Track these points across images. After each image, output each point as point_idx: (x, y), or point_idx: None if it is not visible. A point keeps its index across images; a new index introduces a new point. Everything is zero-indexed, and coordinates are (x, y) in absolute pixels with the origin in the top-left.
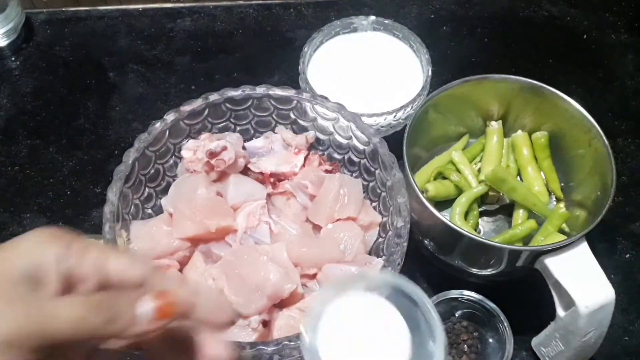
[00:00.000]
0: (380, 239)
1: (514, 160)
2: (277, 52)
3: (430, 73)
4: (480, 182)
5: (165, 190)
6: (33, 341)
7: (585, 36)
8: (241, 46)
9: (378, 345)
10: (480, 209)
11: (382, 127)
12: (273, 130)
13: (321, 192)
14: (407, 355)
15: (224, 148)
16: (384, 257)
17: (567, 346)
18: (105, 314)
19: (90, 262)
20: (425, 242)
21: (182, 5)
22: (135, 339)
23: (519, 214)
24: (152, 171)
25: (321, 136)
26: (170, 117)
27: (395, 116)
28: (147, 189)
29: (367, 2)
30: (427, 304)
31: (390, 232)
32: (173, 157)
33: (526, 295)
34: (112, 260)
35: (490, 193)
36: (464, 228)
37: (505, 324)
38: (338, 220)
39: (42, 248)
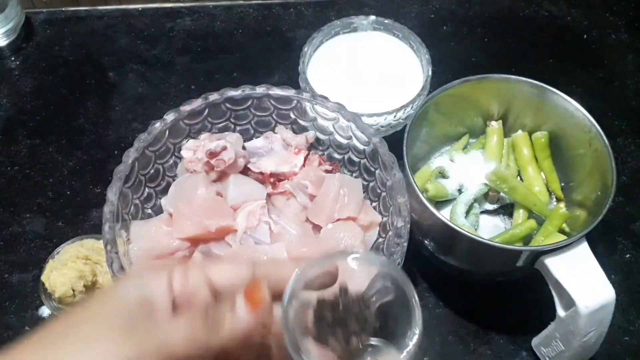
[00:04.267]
0: (380, 239)
1: (514, 160)
2: (277, 51)
3: (430, 73)
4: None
5: (165, 190)
6: None
7: (585, 36)
8: (241, 46)
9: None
10: (480, 209)
11: (382, 127)
12: (273, 130)
13: (321, 192)
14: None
15: (224, 148)
16: (384, 257)
17: (568, 346)
18: (209, 323)
19: (194, 280)
20: (426, 242)
21: (181, 5)
22: (242, 342)
23: (519, 214)
24: (152, 171)
25: (321, 136)
26: (170, 117)
27: (395, 116)
28: (147, 189)
29: (367, 2)
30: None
31: (390, 232)
32: (173, 157)
33: (526, 295)
34: (214, 271)
35: (491, 193)
36: (464, 228)
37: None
38: (338, 220)
39: (150, 280)
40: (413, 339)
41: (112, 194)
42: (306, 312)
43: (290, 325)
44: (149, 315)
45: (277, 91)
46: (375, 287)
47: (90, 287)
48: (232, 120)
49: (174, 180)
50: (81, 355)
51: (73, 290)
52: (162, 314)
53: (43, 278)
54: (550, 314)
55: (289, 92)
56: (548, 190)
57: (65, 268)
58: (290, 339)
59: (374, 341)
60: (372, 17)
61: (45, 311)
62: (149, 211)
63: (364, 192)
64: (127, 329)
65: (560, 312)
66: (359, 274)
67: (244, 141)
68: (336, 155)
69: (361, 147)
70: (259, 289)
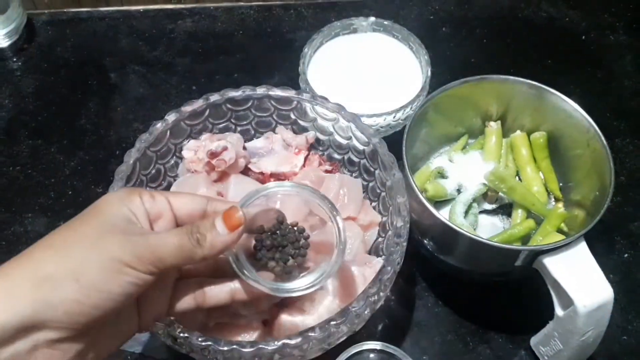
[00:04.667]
0: (380, 239)
1: (513, 160)
2: (278, 53)
3: (429, 74)
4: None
5: (166, 191)
6: (148, 264)
7: (584, 37)
8: (242, 47)
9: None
10: (479, 209)
11: (381, 127)
12: (273, 130)
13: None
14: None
15: (225, 148)
16: (383, 256)
17: (566, 345)
18: (195, 237)
19: (160, 203)
20: (425, 241)
21: (182, 6)
22: (215, 256)
23: (518, 214)
24: (153, 171)
25: (321, 136)
26: (171, 117)
27: (394, 117)
28: (148, 189)
29: (367, 4)
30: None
31: (389, 232)
32: (174, 157)
33: (525, 295)
34: (175, 199)
35: (489, 193)
36: (463, 228)
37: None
38: None
39: (127, 198)
40: (338, 256)
41: None
42: (249, 240)
43: (234, 249)
44: (135, 225)
45: (277, 92)
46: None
47: None
48: (232, 120)
49: (175, 180)
50: (91, 257)
51: None
52: (144, 226)
53: None
54: (548, 313)
55: (289, 93)
56: (546, 190)
57: None
58: (233, 259)
59: (307, 262)
60: (372, 19)
61: None
62: None
63: (363, 192)
64: (124, 236)
65: (559, 311)
66: (293, 206)
67: (245, 141)
68: (336, 156)
69: (361, 147)
70: (237, 212)
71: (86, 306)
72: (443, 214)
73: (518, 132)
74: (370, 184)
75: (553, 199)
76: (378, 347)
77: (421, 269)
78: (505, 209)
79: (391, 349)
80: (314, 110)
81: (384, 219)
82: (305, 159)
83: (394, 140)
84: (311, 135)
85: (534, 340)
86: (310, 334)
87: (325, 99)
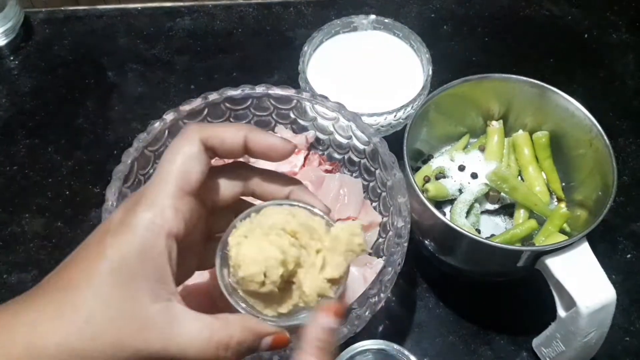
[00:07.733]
0: (380, 239)
1: (515, 160)
2: (277, 51)
3: (430, 72)
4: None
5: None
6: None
7: (586, 35)
8: (241, 45)
9: None
10: (480, 209)
11: (382, 126)
12: (273, 129)
13: (321, 192)
14: None
15: None
16: (384, 257)
17: (568, 347)
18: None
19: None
20: (426, 242)
21: (181, 4)
22: None
23: (520, 214)
24: (152, 171)
25: (321, 136)
26: (169, 116)
27: (395, 116)
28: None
29: (367, 1)
30: None
31: (390, 232)
32: None
33: (527, 296)
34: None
35: (491, 193)
36: (465, 228)
37: None
38: (338, 220)
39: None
40: None
41: (111, 194)
42: None
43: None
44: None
45: (276, 91)
46: None
47: (285, 280)
48: (231, 119)
49: None
50: None
51: (264, 276)
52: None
53: (231, 243)
54: (551, 315)
55: (289, 92)
56: (549, 190)
57: (266, 240)
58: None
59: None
60: (372, 17)
61: None
62: None
63: (364, 192)
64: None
65: (561, 312)
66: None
67: None
68: (336, 155)
69: (361, 146)
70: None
71: None
72: (444, 214)
73: (520, 131)
74: (371, 184)
75: (555, 199)
76: (376, 347)
77: (422, 270)
78: (507, 209)
79: (390, 347)
80: (314, 109)
81: (385, 219)
82: (305, 158)
83: (395, 139)
84: (311, 134)
85: (535, 342)
86: None
87: (325, 97)
